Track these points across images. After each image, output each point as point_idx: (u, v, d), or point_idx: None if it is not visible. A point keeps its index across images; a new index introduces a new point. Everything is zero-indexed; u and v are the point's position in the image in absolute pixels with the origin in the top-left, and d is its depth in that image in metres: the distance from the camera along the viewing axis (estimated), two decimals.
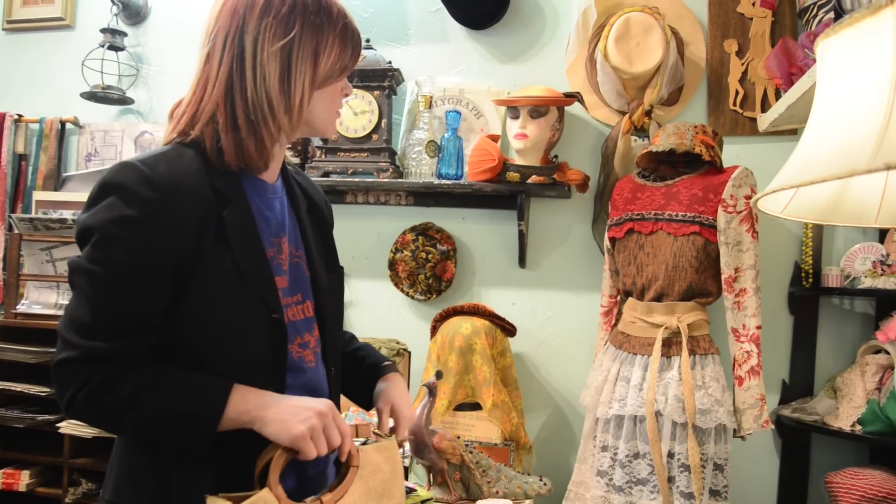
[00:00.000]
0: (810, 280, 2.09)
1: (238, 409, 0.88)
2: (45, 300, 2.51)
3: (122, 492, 0.94)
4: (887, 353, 1.95)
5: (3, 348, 2.37)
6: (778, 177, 1.14)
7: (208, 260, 0.90)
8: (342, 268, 1.18)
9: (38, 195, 2.71)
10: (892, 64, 1.01)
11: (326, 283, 1.10)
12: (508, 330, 2.15)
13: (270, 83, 0.94)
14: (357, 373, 1.20)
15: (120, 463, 0.96)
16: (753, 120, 2.18)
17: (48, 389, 2.33)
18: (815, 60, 1.68)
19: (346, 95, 1.07)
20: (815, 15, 1.93)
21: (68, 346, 0.86)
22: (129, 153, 2.71)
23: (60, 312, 2.46)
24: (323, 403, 0.92)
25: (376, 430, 1.08)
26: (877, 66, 1.04)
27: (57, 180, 2.76)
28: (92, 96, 2.62)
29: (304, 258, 1.07)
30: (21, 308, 2.48)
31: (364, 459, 0.99)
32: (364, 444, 1.03)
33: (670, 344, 1.86)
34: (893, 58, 1.01)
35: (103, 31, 2.61)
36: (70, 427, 2.24)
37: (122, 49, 2.66)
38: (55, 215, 2.57)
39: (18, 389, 2.36)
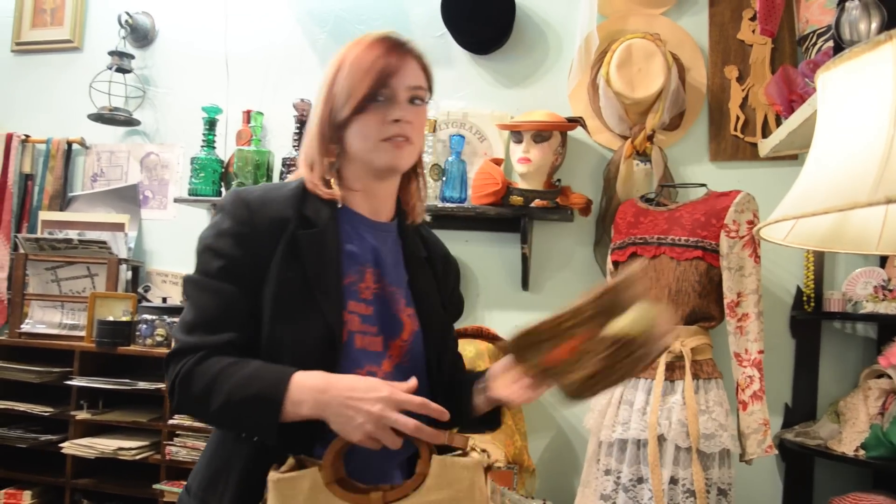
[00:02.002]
0: (812, 304, 2.10)
1: (297, 397, 0.90)
2: (49, 319, 2.52)
3: (204, 483, 1.01)
4: (890, 377, 1.96)
5: (7, 367, 2.38)
6: (780, 207, 1.16)
7: (278, 269, 0.99)
8: (449, 322, 1.20)
9: (43, 215, 2.72)
10: (892, 97, 1.03)
11: (421, 326, 1.09)
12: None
13: (313, 118, 1.07)
14: (457, 392, 1.13)
15: (209, 456, 1.04)
16: (754, 145, 2.20)
17: (51, 409, 2.33)
18: (815, 89, 1.70)
19: (397, 121, 1.01)
20: (815, 43, 1.96)
21: (175, 342, 0.99)
22: (135, 174, 2.74)
23: (65, 332, 2.47)
24: (384, 394, 0.89)
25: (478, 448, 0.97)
26: (877, 99, 1.06)
27: (63, 200, 2.78)
28: (99, 118, 2.65)
29: (401, 299, 1.08)
30: (25, 327, 2.49)
31: (439, 470, 0.91)
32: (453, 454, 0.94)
33: (673, 368, 1.86)
34: (893, 91, 1.03)
35: (111, 53, 2.65)
36: (73, 447, 2.24)
37: (129, 71, 2.69)
38: (60, 235, 2.59)
39: (22, 409, 2.36)
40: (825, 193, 1.06)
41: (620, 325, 0.97)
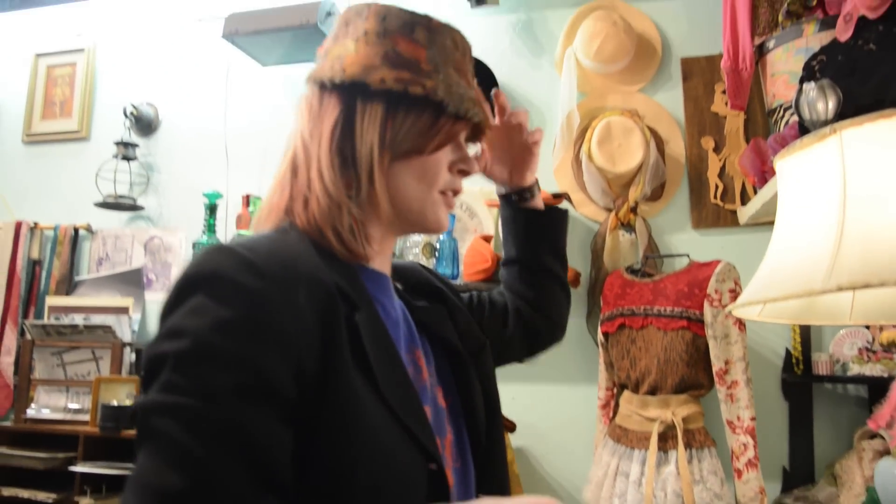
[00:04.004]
0: (801, 367, 2.13)
1: None
2: (54, 404, 2.56)
3: None
4: (883, 437, 1.97)
5: (12, 454, 2.41)
6: (747, 290, 1.22)
7: (343, 380, 0.63)
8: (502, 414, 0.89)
9: (50, 300, 2.80)
10: (841, 189, 1.10)
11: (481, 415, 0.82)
12: (508, 426, 2.19)
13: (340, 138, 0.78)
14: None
15: None
16: (734, 212, 2.28)
17: (55, 495, 2.35)
18: None
19: (463, 172, 0.82)
20: (783, 116, 2.05)
21: None
22: (139, 258, 2.83)
23: (70, 416, 2.51)
24: None
25: None
26: (827, 189, 1.13)
27: (69, 284, 2.86)
28: (105, 205, 2.75)
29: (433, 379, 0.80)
30: (31, 413, 2.53)
31: None
32: None
33: (666, 438, 1.89)
34: (841, 184, 1.11)
35: (117, 143, 2.77)
36: None
37: (133, 159, 2.81)
38: (67, 320, 2.66)
39: (26, 496, 2.38)
40: (786, 280, 1.12)
41: None
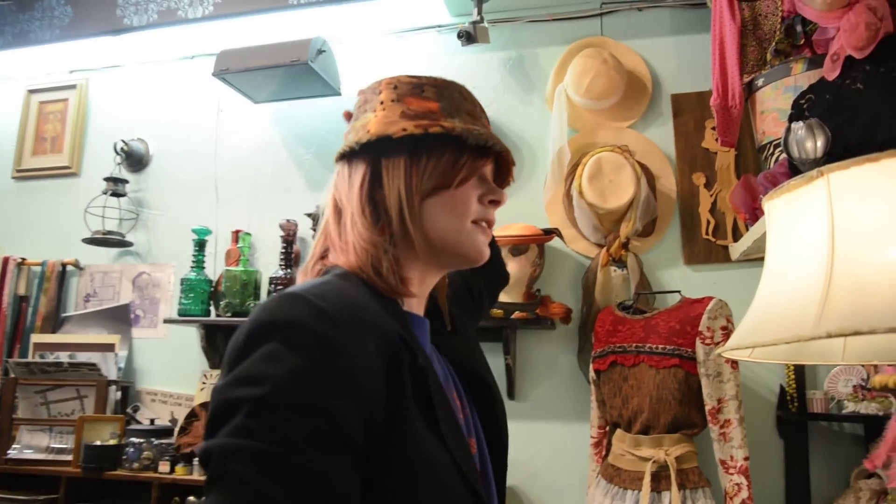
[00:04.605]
0: (796, 404, 2.10)
1: None
2: (37, 443, 2.51)
3: None
4: (880, 477, 1.94)
5: None
6: (737, 333, 1.20)
7: (407, 425, 0.65)
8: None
9: (35, 337, 2.76)
10: (828, 233, 1.09)
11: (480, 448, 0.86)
12: None
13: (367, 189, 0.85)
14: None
15: None
16: (726, 247, 2.27)
17: None
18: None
19: (495, 203, 0.85)
20: (772, 153, 2.06)
21: None
22: (127, 294, 2.80)
23: (52, 456, 2.46)
24: None
25: None
26: (815, 232, 1.12)
27: (55, 321, 2.82)
28: (93, 241, 2.73)
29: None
30: (12, 453, 2.48)
31: None
32: None
33: (659, 478, 1.85)
34: (828, 227, 1.09)
35: (107, 179, 2.76)
36: None
37: (123, 195, 2.80)
38: (51, 358, 2.62)
39: None
40: (775, 324, 1.10)
41: None
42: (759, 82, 2.07)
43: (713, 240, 2.30)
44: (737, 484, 1.83)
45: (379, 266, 0.76)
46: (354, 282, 0.74)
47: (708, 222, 2.31)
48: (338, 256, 0.79)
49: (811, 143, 1.64)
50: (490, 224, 0.85)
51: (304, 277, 0.81)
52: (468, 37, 2.39)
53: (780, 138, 2.06)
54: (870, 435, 2.04)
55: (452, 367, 0.88)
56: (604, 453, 2.10)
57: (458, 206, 0.80)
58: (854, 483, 1.98)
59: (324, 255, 0.82)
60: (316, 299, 0.63)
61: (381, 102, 0.82)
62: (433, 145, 0.78)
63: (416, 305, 0.84)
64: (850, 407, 1.96)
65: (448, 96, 0.83)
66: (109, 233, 2.73)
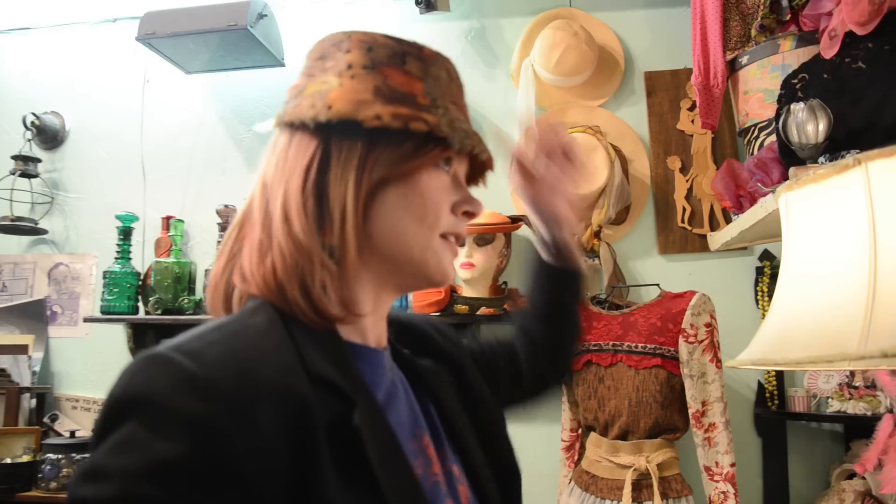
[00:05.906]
0: (776, 402, 2.01)
1: None
2: None
3: None
4: (862, 477, 1.86)
5: None
6: (755, 347, 1.05)
7: (323, 502, 0.51)
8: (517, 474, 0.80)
9: None
10: (869, 232, 0.94)
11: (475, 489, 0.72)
12: None
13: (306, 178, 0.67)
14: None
15: None
16: (703, 236, 2.14)
17: None
18: (766, 189, 1.64)
19: (469, 214, 0.70)
20: (757, 137, 1.92)
21: None
22: (42, 288, 2.49)
23: None
24: None
25: None
26: (850, 232, 0.97)
27: None
28: (1, 228, 2.42)
29: (453, 465, 0.70)
30: None
31: None
32: None
33: (640, 487, 1.72)
34: (869, 225, 0.94)
35: (15, 157, 2.44)
36: None
37: (35, 176, 2.48)
38: None
39: None
40: (806, 340, 0.95)
41: None
42: (744, 60, 1.93)
43: (689, 228, 2.16)
44: (723, 492, 1.72)
45: (309, 284, 0.59)
46: (266, 315, 0.58)
47: (684, 209, 2.17)
48: (245, 265, 0.62)
49: (813, 126, 1.49)
50: (458, 239, 0.69)
51: (212, 296, 0.66)
52: (427, 4, 2.19)
53: (766, 121, 1.92)
54: (849, 433, 1.97)
55: (437, 399, 0.73)
56: (576, 458, 1.96)
57: (429, 215, 0.65)
58: (836, 484, 1.90)
59: (235, 258, 0.65)
60: (188, 361, 0.49)
61: (350, 66, 0.64)
62: (402, 134, 0.63)
63: (370, 330, 0.67)
64: (835, 406, 1.87)
65: (434, 75, 0.67)
66: (19, 219, 2.42)
